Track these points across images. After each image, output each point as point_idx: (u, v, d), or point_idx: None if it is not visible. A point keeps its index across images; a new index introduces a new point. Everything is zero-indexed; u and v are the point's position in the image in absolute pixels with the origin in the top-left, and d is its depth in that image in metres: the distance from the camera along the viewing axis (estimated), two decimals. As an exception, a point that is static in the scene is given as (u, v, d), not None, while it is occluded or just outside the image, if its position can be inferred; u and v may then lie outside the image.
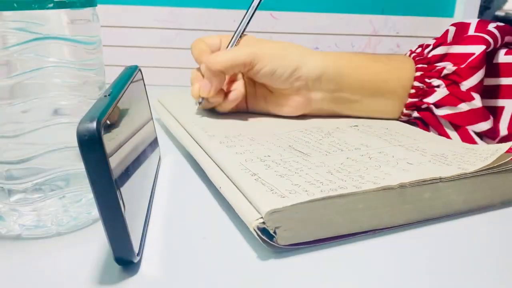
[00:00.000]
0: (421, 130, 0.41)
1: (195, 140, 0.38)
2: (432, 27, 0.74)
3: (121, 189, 0.22)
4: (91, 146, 0.20)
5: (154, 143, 0.38)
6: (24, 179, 0.26)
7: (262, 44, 0.42)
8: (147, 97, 0.37)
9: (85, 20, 0.27)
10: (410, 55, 0.46)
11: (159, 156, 0.39)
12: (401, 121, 0.44)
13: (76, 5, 0.26)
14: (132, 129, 0.29)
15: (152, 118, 0.38)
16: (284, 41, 0.44)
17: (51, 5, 0.24)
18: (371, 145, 0.35)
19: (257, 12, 0.71)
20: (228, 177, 0.30)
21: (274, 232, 0.24)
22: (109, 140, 0.22)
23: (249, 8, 0.45)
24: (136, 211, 0.26)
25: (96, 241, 0.26)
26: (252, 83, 0.45)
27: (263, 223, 0.24)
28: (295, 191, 0.26)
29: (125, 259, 0.23)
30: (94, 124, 0.20)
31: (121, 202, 0.22)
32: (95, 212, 0.29)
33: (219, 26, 0.71)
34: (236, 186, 0.28)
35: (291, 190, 0.26)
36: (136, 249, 0.23)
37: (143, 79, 0.35)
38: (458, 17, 0.73)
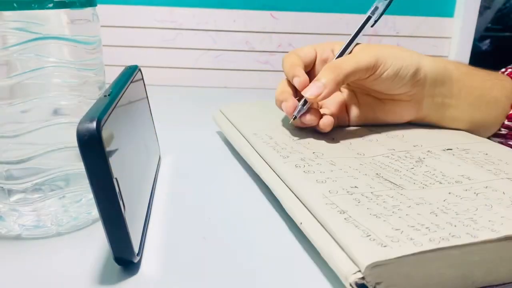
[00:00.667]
0: None
1: (264, 160, 0.34)
2: (432, 27, 0.74)
3: (121, 189, 0.22)
4: (91, 146, 0.20)
5: (154, 143, 0.38)
6: (24, 179, 0.26)
7: (374, 46, 0.39)
8: (147, 97, 0.37)
9: (85, 20, 0.27)
10: (503, 73, 0.45)
11: (159, 156, 0.39)
12: (499, 134, 0.42)
13: (76, 5, 0.26)
14: (132, 129, 0.29)
15: (152, 118, 0.38)
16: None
17: (51, 5, 0.24)
18: (474, 177, 0.30)
19: (256, 12, 0.72)
20: (310, 211, 0.26)
21: None
22: (109, 140, 0.22)
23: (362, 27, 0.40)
24: (136, 211, 0.26)
25: (96, 241, 0.26)
26: (351, 92, 0.42)
27: (362, 278, 0.20)
28: (398, 238, 0.21)
29: (125, 259, 0.23)
30: (94, 124, 0.20)
31: (121, 202, 0.22)
32: (95, 212, 0.29)
33: (219, 26, 0.71)
34: (322, 225, 0.24)
35: (392, 237, 0.22)
36: (136, 249, 0.23)
37: (143, 79, 0.35)
38: (458, 17, 0.73)
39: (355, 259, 0.21)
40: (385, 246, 0.21)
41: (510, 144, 0.42)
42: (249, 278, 0.24)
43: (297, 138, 0.37)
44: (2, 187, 0.26)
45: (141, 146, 0.31)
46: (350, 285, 0.20)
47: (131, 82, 0.30)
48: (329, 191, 0.27)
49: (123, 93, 0.27)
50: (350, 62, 0.36)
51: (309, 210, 0.26)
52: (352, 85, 0.42)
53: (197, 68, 0.74)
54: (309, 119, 0.37)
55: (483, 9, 0.74)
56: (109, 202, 0.21)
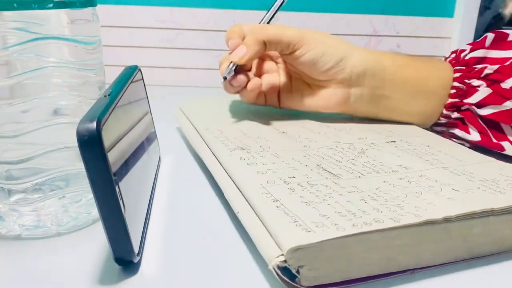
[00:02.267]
0: (467, 149, 0.36)
1: (213, 153, 0.35)
2: (432, 27, 0.74)
3: (121, 189, 0.22)
4: (91, 146, 0.20)
5: (154, 143, 0.38)
6: (24, 179, 0.26)
7: (307, 30, 0.40)
8: (147, 97, 0.37)
9: (85, 20, 0.27)
10: (445, 60, 0.45)
11: (159, 156, 0.39)
12: (439, 123, 0.43)
13: (76, 5, 0.26)
14: (132, 129, 0.29)
15: (152, 118, 0.38)
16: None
17: (51, 5, 0.24)
18: (411, 167, 0.31)
19: (256, 12, 0.71)
20: (247, 201, 0.27)
21: (297, 272, 0.21)
22: (109, 140, 0.22)
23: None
24: (136, 211, 0.26)
25: (96, 241, 0.26)
26: (288, 76, 0.44)
27: (285, 261, 0.21)
28: (322, 224, 0.22)
29: (125, 259, 0.23)
30: (94, 124, 0.20)
31: (121, 202, 0.22)
32: (95, 212, 0.29)
33: (219, 26, 0.71)
34: (256, 213, 0.25)
35: (318, 222, 0.22)
36: (136, 249, 0.23)
37: (143, 79, 0.35)
38: (458, 17, 0.73)
39: (279, 243, 0.22)
40: (308, 231, 0.22)
41: (451, 132, 0.43)
42: (249, 278, 0.24)
43: (248, 132, 0.38)
44: (2, 187, 0.26)
45: (141, 146, 0.31)
46: (273, 268, 0.21)
47: (131, 82, 0.30)
48: (267, 181, 0.28)
49: (123, 93, 0.27)
50: (275, 29, 0.38)
51: (246, 200, 0.27)
52: (288, 67, 0.44)
53: (197, 68, 0.74)
54: (238, 79, 0.40)
55: (483, 9, 0.74)
56: (109, 202, 0.21)
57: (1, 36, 0.24)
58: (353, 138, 0.37)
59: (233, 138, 0.37)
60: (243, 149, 0.34)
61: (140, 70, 0.34)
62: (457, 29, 0.73)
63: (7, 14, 0.24)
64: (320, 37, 0.39)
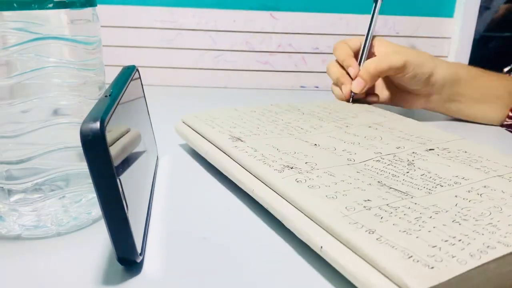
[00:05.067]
0: (500, 153, 0.36)
1: (255, 176, 0.31)
2: (432, 27, 0.74)
3: (124, 189, 0.22)
4: (95, 146, 0.20)
5: (152, 143, 0.38)
6: (24, 179, 0.26)
7: (404, 50, 0.50)
8: (145, 97, 0.37)
9: (85, 20, 0.27)
10: (509, 74, 0.56)
11: (157, 156, 0.39)
12: (506, 124, 0.52)
13: (76, 5, 0.26)
14: (131, 129, 0.29)
15: (149, 118, 0.38)
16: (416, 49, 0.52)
17: (51, 5, 0.24)
18: (469, 177, 0.30)
19: (256, 12, 0.71)
20: (330, 233, 0.24)
21: None
22: (112, 140, 0.22)
23: (373, 13, 0.54)
24: (138, 211, 0.26)
25: (96, 241, 0.26)
26: (385, 78, 0.54)
27: None
28: (440, 257, 0.20)
29: (128, 259, 0.23)
30: (98, 124, 0.20)
31: (124, 202, 0.22)
32: (95, 212, 0.29)
33: (219, 26, 0.71)
34: (350, 248, 0.22)
35: (434, 255, 0.21)
36: (139, 249, 0.23)
37: (140, 78, 0.36)
38: (458, 17, 0.73)
39: (405, 284, 0.19)
40: (432, 268, 0.20)
41: None
42: (249, 278, 0.24)
43: (280, 147, 0.35)
44: (2, 187, 0.26)
45: (140, 146, 0.31)
46: None
47: (130, 82, 0.30)
48: (346, 207, 0.25)
49: (123, 93, 0.27)
50: (384, 63, 0.49)
51: (328, 232, 0.24)
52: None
53: (197, 68, 0.74)
54: (359, 96, 0.52)
55: (482, 9, 0.73)
56: (113, 202, 0.21)
57: (1, 36, 0.24)
58: (391, 148, 0.36)
59: (270, 155, 0.33)
60: (291, 168, 0.30)
61: (137, 70, 0.34)
62: (457, 29, 0.73)
63: (7, 14, 0.24)
64: (417, 59, 0.49)
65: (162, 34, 0.71)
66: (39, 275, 0.24)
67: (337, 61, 0.53)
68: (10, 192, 0.26)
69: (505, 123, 0.52)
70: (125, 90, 0.27)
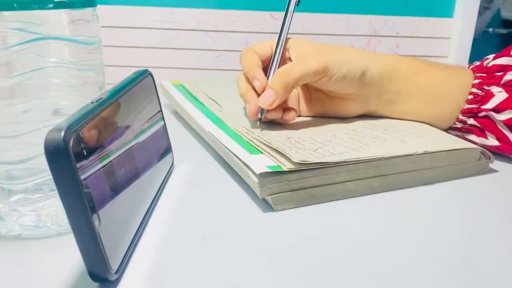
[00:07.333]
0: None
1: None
2: (432, 27, 0.74)
3: (98, 202, 0.21)
4: (57, 156, 0.19)
5: (163, 150, 0.35)
6: (24, 179, 0.26)
7: (325, 50, 0.42)
8: (159, 102, 0.35)
9: (85, 20, 0.27)
10: (468, 67, 0.45)
11: (172, 163, 0.37)
12: (454, 127, 0.43)
13: (76, 5, 0.26)
14: (128, 137, 0.27)
15: (164, 125, 0.36)
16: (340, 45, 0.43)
17: (51, 5, 0.24)
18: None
19: (256, 12, 0.71)
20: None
21: None
22: (85, 150, 0.21)
23: (286, 12, 0.45)
24: (121, 226, 0.24)
25: (96, 241, 0.26)
26: (306, 88, 0.45)
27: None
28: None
29: (99, 275, 0.22)
30: (62, 134, 0.19)
31: (95, 216, 0.20)
32: (95, 212, 0.28)
33: (219, 27, 0.71)
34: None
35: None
36: (114, 266, 0.22)
37: (154, 83, 0.33)
38: (458, 18, 0.73)
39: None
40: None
41: (467, 138, 0.42)
42: (250, 278, 0.24)
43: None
44: (2, 187, 0.26)
45: (141, 155, 0.29)
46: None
47: (132, 87, 0.28)
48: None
49: (117, 99, 0.26)
50: (299, 69, 0.39)
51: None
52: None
53: (197, 68, 0.74)
54: (273, 114, 0.40)
55: (482, 9, 0.74)
56: (78, 215, 0.20)
57: (1, 36, 0.24)
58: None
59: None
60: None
61: (150, 74, 0.32)
62: (457, 30, 0.73)
63: (7, 14, 0.24)
64: (341, 58, 0.40)
65: (162, 34, 0.71)
66: (39, 275, 0.24)
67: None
68: (10, 192, 0.26)
69: (454, 126, 0.43)
70: (122, 96, 0.26)
